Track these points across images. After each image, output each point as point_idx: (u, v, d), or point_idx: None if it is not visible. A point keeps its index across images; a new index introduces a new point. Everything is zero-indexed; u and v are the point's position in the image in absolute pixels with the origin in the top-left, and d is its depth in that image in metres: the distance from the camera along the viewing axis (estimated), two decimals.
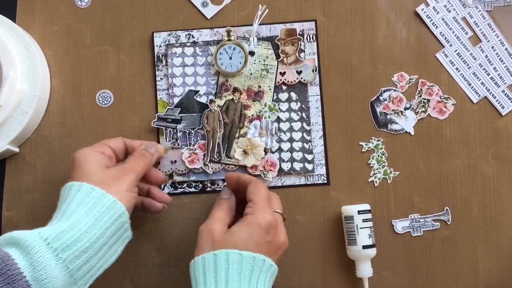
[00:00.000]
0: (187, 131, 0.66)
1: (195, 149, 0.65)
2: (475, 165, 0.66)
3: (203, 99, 0.67)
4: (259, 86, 0.67)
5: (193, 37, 0.67)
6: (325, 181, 0.65)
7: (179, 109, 0.66)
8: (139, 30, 0.68)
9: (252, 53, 0.67)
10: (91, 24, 0.68)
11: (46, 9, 0.69)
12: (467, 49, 0.67)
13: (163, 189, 0.66)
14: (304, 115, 0.67)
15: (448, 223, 0.65)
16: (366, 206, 0.62)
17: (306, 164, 0.66)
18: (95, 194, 0.51)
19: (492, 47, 0.67)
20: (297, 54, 0.67)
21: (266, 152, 0.66)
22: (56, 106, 0.67)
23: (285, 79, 0.67)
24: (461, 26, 0.67)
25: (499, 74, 0.67)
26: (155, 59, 0.67)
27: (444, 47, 0.67)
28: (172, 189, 0.66)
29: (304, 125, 0.66)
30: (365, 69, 0.67)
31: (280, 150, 0.66)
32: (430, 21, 0.67)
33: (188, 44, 0.67)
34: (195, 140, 0.66)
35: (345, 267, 0.64)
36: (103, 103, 0.67)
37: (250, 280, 0.49)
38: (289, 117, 0.67)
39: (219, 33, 0.67)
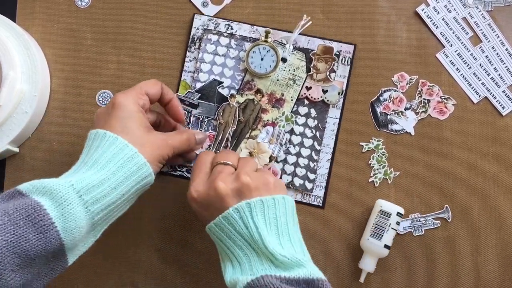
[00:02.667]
0: (201, 118, 0.66)
1: None
2: (475, 165, 0.66)
3: (225, 92, 0.67)
4: (282, 94, 0.66)
5: (232, 28, 0.67)
6: (320, 204, 0.65)
7: (199, 94, 0.66)
8: (139, 30, 0.68)
9: (284, 60, 0.66)
10: (91, 24, 0.68)
11: (46, 9, 0.68)
12: (467, 49, 0.67)
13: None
14: (318, 134, 0.66)
15: (449, 220, 0.65)
16: (402, 211, 0.63)
17: (307, 183, 0.65)
18: (129, 152, 0.52)
19: (493, 47, 0.67)
20: (327, 73, 0.66)
21: (271, 160, 0.65)
22: (56, 106, 0.67)
23: (309, 94, 0.66)
24: (461, 26, 0.67)
25: (499, 75, 0.67)
26: (189, 40, 0.67)
27: (444, 47, 0.67)
28: (171, 169, 0.66)
29: (315, 144, 0.66)
30: (365, 69, 0.67)
31: (285, 161, 0.66)
32: (431, 21, 0.67)
33: (225, 34, 0.67)
34: (206, 128, 0.66)
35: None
36: (103, 103, 0.67)
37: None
38: (303, 131, 0.66)
39: (257, 32, 0.67)
